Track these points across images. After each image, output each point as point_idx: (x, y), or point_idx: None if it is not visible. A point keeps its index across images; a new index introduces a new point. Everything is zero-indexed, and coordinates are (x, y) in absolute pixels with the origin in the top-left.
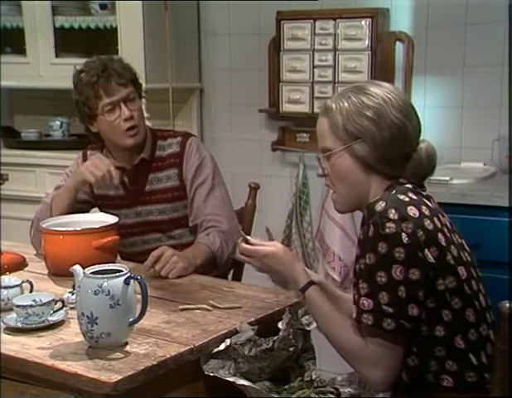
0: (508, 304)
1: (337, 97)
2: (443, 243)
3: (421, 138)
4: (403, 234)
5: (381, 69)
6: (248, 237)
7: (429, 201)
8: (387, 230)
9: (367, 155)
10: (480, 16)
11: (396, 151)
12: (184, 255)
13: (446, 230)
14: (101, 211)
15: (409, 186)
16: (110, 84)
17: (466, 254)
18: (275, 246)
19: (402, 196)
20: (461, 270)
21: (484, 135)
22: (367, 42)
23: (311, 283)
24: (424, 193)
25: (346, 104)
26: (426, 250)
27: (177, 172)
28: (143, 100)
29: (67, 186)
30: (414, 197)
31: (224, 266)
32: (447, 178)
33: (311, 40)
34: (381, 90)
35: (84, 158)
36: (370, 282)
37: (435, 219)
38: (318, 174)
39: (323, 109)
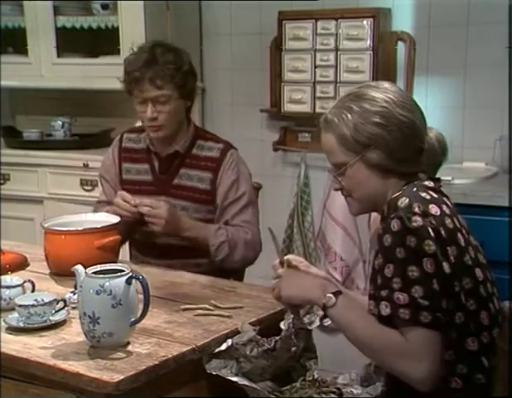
0: (509, 304)
1: (336, 109)
2: (462, 243)
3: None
4: (429, 227)
5: (383, 69)
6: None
7: (448, 200)
8: (414, 224)
9: (382, 160)
10: (481, 15)
11: (410, 148)
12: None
13: (464, 230)
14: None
15: (427, 183)
16: (143, 81)
17: (482, 257)
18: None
19: (423, 194)
20: (478, 272)
21: (486, 135)
22: (369, 42)
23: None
24: (444, 192)
25: (350, 115)
26: (448, 248)
27: (211, 177)
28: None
29: None
30: (435, 196)
31: (220, 262)
32: (449, 178)
33: (312, 40)
34: (380, 92)
35: (121, 143)
36: (403, 276)
37: (455, 219)
38: (335, 188)
39: (324, 124)
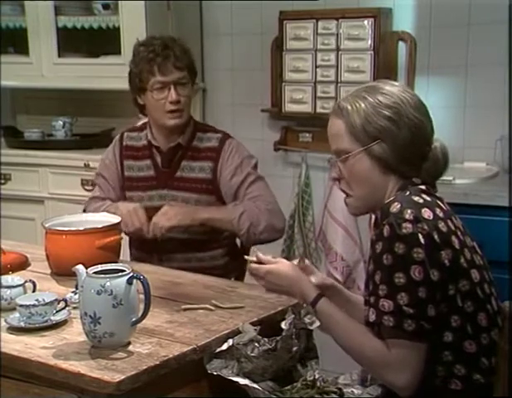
0: (509, 304)
1: (351, 97)
2: (457, 246)
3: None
4: (420, 234)
5: (384, 69)
6: (259, 253)
7: (442, 202)
8: (404, 231)
9: (387, 155)
10: (482, 16)
11: (416, 150)
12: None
13: (459, 232)
14: (126, 190)
15: (422, 187)
16: (166, 64)
17: (479, 257)
18: (279, 262)
19: (416, 198)
20: (474, 273)
21: (486, 135)
22: (369, 42)
23: (321, 295)
24: (437, 195)
25: (363, 105)
26: (442, 252)
27: (211, 166)
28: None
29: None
30: (428, 199)
31: (246, 237)
32: (450, 178)
33: (313, 40)
34: (396, 89)
35: (121, 141)
36: (389, 283)
37: (449, 221)
38: (333, 178)
39: (336, 110)
